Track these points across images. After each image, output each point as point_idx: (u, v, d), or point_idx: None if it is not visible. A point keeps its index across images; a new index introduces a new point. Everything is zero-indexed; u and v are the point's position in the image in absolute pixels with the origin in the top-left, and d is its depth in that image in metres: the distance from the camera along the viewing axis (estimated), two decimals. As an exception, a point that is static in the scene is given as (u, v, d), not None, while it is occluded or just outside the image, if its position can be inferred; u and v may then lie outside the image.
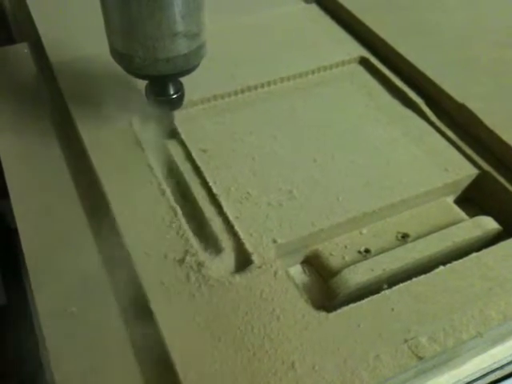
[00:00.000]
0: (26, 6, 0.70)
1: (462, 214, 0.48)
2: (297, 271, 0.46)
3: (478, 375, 0.41)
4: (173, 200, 0.47)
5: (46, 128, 0.56)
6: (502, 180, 0.48)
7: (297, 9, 0.70)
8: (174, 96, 0.51)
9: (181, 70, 0.47)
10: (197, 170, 0.49)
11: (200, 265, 0.42)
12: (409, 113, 0.55)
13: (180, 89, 0.51)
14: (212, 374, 0.36)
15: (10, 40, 0.75)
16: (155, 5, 0.43)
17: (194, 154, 0.51)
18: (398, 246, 0.45)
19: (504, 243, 0.44)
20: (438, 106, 0.56)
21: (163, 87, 0.50)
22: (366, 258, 0.44)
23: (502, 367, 0.42)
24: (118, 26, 0.45)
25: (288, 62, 0.60)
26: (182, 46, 0.45)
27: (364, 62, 0.62)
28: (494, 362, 0.41)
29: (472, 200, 0.51)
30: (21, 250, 0.45)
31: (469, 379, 0.41)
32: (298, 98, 0.57)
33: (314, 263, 0.46)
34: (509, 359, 0.42)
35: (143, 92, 0.52)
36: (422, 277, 0.41)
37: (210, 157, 0.51)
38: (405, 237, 0.46)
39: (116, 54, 0.47)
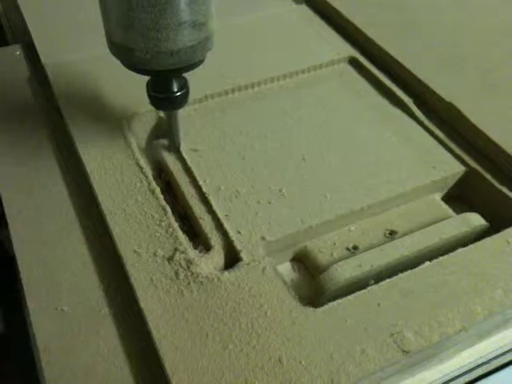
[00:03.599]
0: (18, 8, 0.70)
1: (450, 211, 0.49)
2: (286, 268, 0.46)
3: (464, 370, 0.41)
4: (162, 199, 0.47)
5: (38, 129, 0.56)
6: (488, 177, 0.49)
7: (287, 9, 0.71)
8: (178, 94, 0.46)
9: (185, 64, 0.42)
10: (187, 169, 0.50)
11: (189, 262, 0.42)
12: (397, 112, 0.56)
13: (184, 85, 0.47)
14: (200, 369, 0.36)
15: (4, 42, 0.75)
16: None
17: (185, 154, 0.51)
18: (386, 242, 0.45)
19: (490, 239, 0.44)
20: (426, 105, 0.56)
21: (166, 84, 0.46)
22: (354, 255, 0.44)
23: (488, 362, 0.42)
24: (116, 14, 0.40)
25: (278, 62, 0.61)
26: (188, 38, 0.41)
27: (353, 61, 0.62)
28: (481, 357, 0.42)
29: (459, 197, 0.51)
30: (16, 261, 0.45)
31: (455, 374, 0.41)
32: (288, 98, 0.58)
33: (303, 260, 0.46)
34: (495, 354, 0.42)
35: (135, 93, 0.52)
36: (409, 272, 0.42)
37: (201, 156, 0.51)
38: (392, 234, 0.47)
39: (113, 46, 0.42)
